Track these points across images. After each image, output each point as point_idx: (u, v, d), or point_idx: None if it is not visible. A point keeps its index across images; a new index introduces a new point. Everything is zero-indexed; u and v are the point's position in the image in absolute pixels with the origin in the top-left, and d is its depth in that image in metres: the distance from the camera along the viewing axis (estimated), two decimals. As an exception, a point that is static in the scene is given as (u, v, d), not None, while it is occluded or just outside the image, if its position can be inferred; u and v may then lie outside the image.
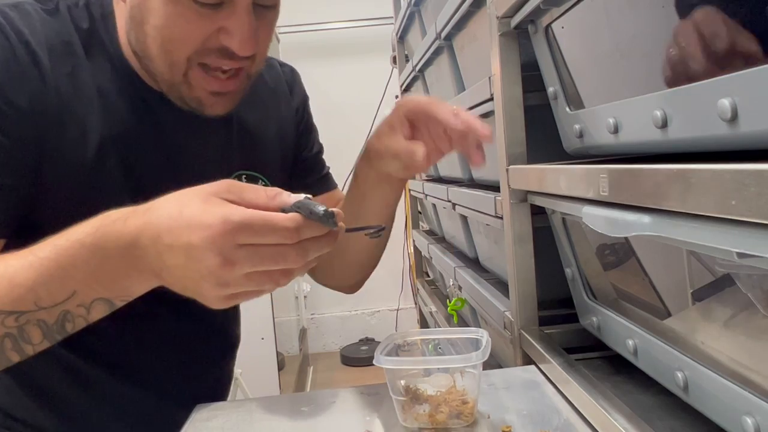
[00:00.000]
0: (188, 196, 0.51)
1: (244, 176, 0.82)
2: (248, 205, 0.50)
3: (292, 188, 0.54)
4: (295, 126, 0.90)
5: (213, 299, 0.51)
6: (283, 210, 0.50)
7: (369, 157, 0.75)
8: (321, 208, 0.49)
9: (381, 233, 0.63)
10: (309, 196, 0.52)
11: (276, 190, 0.52)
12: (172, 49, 0.63)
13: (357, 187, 0.79)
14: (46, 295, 0.53)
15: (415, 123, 0.70)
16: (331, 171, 0.96)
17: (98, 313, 0.56)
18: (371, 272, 0.89)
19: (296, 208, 0.50)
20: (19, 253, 0.55)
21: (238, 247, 0.48)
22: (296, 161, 0.90)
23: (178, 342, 0.80)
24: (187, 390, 0.81)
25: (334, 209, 0.50)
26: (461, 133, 0.66)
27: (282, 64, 0.93)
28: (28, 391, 0.75)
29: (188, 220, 0.48)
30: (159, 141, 0.72)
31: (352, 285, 0.91)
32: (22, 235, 0.61)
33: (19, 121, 0.62)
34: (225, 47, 0.64)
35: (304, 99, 0.93)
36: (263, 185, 0.76)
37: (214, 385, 0.89)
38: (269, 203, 0.50)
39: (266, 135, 0.85)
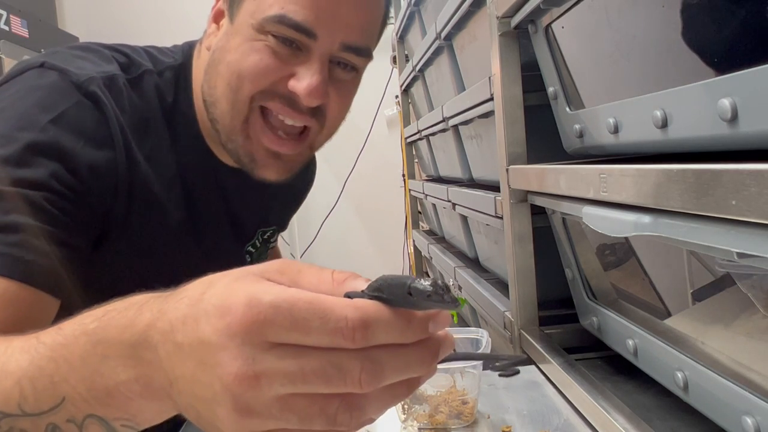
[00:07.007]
0: (222, 275, 0.35)
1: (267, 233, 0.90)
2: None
3: None
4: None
5: None
6: (348, 296, 0.33)
7: None
8: (433, 283, 0.30)
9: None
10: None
11: (348, 273, 0.35)
12: (239, 85, 0.63)
13: None
14: (31, 396, 0.39)
15: None
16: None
17: None
18: None
19: (373, 291, 0.32)
20: (28, 334, 0.42)
21: (268, 347, 0.31)
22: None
23: None
24: None
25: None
26: None
27: None
28: None
29: (206, 306, 0.33)
30: (227, 210, 0.78)
31: None
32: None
33: (95, 192, 0.60)
34: (292, 95, 0.63)
35: (312, 178, 0.99)
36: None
37: None
38: (335, 290, 0.33)
39: (290, 199, 0.92)
